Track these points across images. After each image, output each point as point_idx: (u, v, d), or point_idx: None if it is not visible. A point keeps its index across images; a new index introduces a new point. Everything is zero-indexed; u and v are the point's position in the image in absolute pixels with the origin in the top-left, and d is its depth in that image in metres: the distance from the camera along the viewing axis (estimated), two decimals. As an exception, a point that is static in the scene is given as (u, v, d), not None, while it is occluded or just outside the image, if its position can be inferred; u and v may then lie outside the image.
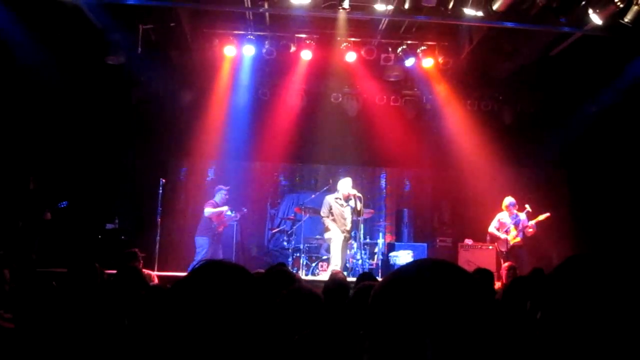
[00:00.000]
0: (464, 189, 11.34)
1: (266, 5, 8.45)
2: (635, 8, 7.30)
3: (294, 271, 8.13)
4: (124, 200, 10.90)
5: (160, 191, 9.58)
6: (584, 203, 11.16)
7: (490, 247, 9.93)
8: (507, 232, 9.47)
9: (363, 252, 9.78)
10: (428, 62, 10.03)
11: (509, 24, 8.35)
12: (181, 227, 10.96)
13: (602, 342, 1.11)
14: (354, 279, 7.57)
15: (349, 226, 9.26)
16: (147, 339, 2.17)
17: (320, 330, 1.74)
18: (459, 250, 10.04)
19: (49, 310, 3.29)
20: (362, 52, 9.77)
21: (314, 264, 9.91)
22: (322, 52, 9.94)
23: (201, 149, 11.12)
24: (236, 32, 9.84)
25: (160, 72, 10.40)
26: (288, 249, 10.28)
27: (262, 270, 5.13)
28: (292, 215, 11.19)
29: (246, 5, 8.56)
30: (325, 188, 10.30)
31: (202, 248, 9.77)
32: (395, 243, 10.76)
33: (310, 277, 9.25)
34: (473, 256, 9.69)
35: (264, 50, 9.80)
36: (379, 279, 6.48)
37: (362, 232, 9.59)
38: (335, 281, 4.30)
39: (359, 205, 9.15)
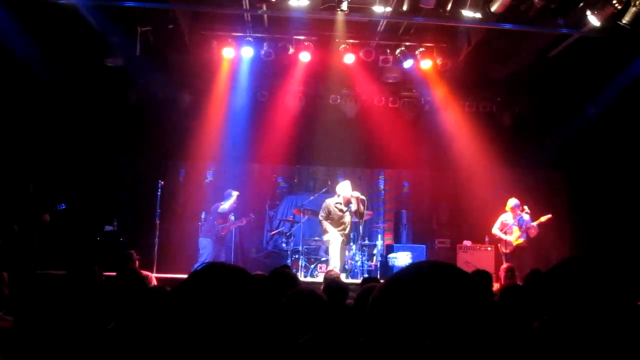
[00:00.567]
0: (463, 191, 11.33)
1: (264, 7, 8.45)
2: (633, 9, 7.32)
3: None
4: (123, 202, 10.90)
5: (159, 193, 9.58)
6: (582, 204, 11.17)
7: (489, 249, 9.93)
8: (509, 232, 9.44)
9: (362, 253, 9.78)
10: (426, 64, 10.03)
11: (507, 26, 8.37)
12: (180, 229, 10.95)
13: (600, 339, 1.11)
14: (353, 281, 7.58)
15: (347, 230, 9.25)
16: (148, 341, 2.17)
17: (324, 332, 1.74)
18: (457, 252, 10.05)
19: (48, 311, 3.29)
20: (361, 54, 9.77)
21: (312, 266, 9.91)
22: (320, 53, 9.95)
23: (200, 151, 11.11)
24: (234, 34, 9.86)
25: (158, 74, 10.39)
26: (287, 250, 10.28)
27: (261, 272, 5.14)
28: (291, 217, 11.18)
29: (244, 7, 8.58)
30: (323, 190, 10.31)
31: (206, 249, 9.81)
32: (394, 244, 10.76)
33: (309, 279, 9.25)
34: (471, 257, 9.70)
35: (263, 52, 9.80)
36: (381, 281, 6.49)
37: (360, 233, 9.58)
38: (332, 281, 4.31)
39: (362, 208, 9.15)
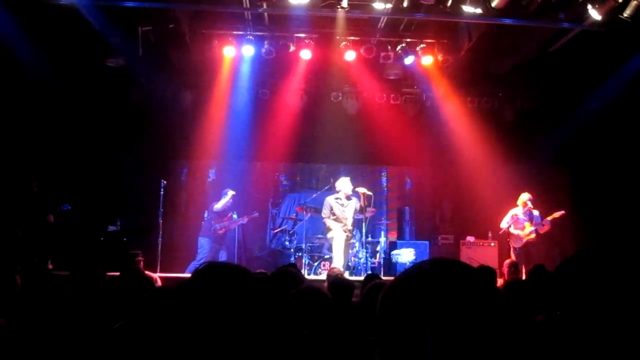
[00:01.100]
0: (465, 186, 11.31)
1: (265, 5, 8.46)
2: (634, 3, 7.30)
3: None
4: (126, 202, 10.91)
5: (162, 192, 9.58)
6: (585, 200, 11.14)
7: (493, 244, 9.91)
8: (521, 228, 9.33)
9: (365, 250, 9.78)
10: (427, 60, 10.02)
11: (508, 21, 8.35)
12: (183, 228, 10.96)
13: (612, 331, 1.11)
14: (357, 278, 7.57)
15: (350, 225, 9.26)
16: (151, 341, 2.17)
17: (329, 330, 1.73)
18: (461, 248, 10.05)
19: (51, 312, 3.29)
20: (362, 51, 9.76)
21: (316, 263, 9.92)
22: (321, 51, 9.94)
23: (202, 149, 11.12)
24: (235, 32, 9.85)
25: (160, 74, 10.42)
26: (290, 248, 10.29)
27: (263, 271, 5.14)
28: (294, 214, 11.19)
29: (245, 5, 8.57)
30: (326, 187, 10.30)
31: (203, 248, 9.86)
32: (397, 241, 10.77)
33: (312, 277, 9.25)
34: (475, 253, 9.70)
35: (264, 50, 9.80)
36: (383, 277, 6.48)
37: (364, 230, 9.59)
38: (337, 279, 4.31)
39: (366, 204, 9.16)
